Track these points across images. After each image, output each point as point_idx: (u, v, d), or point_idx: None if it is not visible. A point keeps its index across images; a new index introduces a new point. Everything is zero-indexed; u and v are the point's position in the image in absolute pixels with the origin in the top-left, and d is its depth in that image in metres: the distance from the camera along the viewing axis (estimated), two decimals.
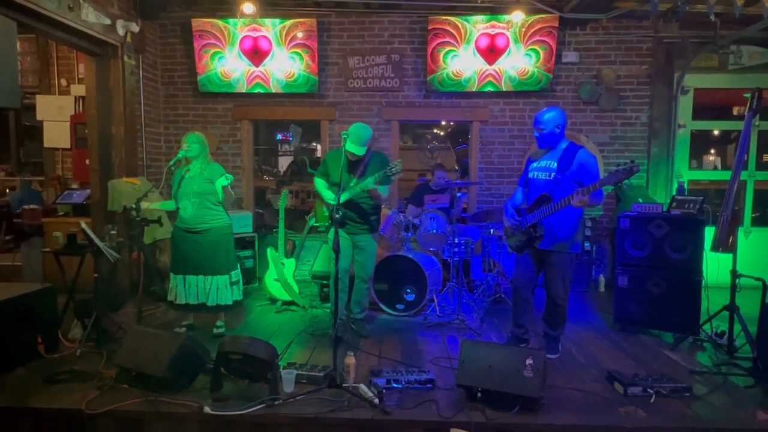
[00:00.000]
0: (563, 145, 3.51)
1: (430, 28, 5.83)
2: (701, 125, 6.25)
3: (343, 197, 3.76)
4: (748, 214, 6.13)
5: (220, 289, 3.88)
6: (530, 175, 3.60)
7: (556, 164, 3.45)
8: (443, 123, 7.94)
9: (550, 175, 3.46)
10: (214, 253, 3.86)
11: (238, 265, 4.15)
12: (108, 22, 4.93)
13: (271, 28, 5.87)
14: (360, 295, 4.13)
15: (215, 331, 3.98)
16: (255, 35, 5.88)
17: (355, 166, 3.90)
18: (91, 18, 4.64)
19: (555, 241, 3.45)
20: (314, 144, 8.67)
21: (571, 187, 3.34)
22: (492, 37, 5.79)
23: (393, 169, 3.65)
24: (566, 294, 3.55)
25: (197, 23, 5.89)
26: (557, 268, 3.49)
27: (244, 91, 6.03)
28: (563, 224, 3.44)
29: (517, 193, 3.78)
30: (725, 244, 3.62)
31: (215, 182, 3.82)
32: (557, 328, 3.64)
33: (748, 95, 3.67)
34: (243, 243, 5.43)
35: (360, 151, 3.79)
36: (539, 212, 3.40)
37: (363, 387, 2.92)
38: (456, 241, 4.67)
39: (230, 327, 4.15)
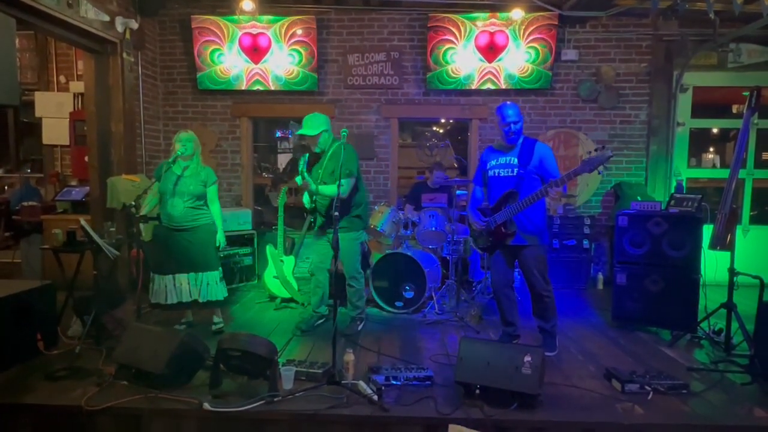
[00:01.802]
0: (520, 140, 3.51)
1: (429, 25, 5.83)
2: (700, 123, 6.26)
3: (305, 195, 3.99)
4: (746, 212, 6.14)
5: (211, 285, 3.88)
6: (491, 173, 3.57)
7: (517, 159, 3.45)
8: (443, 120, 7.93)
9: (512, 171, 3.45)
10: (205, 250, 3.88)
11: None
12: (107, 18, 4.92)
13: (270, 25, 5.87)
14: (348, 293, 4.15)
15: (214, 327, 4.00)
16: (254, 32, 5.88)
17: (319, 159, 3.97)
18: (90, 15, 4.64)
19: (527, 235, 3.46)
20: None
21: (534, 181, 3.35)
22: (491, 34, 5.79)
23: (301, 182, 3.78)
24: (548, 284, 3.56)
25: (197, 20, 5.88)
26: (532, 261, 3.50)
27: (243, 88, 6.03)
28: (532, 217, 3.46)
29: (476, 193, 3.73)
30: (723, 241, 3.63)
31: (208, 186, 3.88)
32: (549, 320, 3.63)
33: (747, 93, 3.68)
34: (242, 240, 5.44)
35: (308, 131, 3.85)
36: (508, 209, 3.38)
37: (362, 384, 2.93)
38: (455, 238, 4.67)
39: (229, 324, 4.15)
